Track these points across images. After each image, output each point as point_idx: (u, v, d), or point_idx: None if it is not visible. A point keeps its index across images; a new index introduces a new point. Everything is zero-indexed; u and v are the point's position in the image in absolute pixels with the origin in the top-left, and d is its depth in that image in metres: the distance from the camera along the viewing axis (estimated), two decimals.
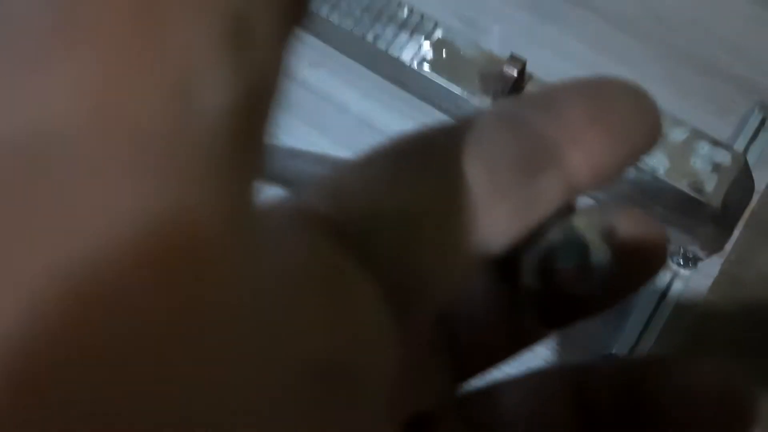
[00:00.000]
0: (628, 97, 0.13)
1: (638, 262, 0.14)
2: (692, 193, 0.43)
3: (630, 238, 0.14)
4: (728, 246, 0.54)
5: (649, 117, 0.14)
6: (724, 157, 0.43)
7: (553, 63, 0.59)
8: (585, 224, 0.12)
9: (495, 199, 0.11)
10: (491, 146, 0.11)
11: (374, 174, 0.11)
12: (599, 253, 0.12)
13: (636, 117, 0.13)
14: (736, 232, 0.54)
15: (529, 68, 0.49)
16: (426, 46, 0.52)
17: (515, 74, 0.47)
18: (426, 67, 0.52)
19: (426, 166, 0.11)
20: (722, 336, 0.55)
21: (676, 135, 0.44)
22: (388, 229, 0.10)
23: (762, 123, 0.54)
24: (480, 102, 0.50)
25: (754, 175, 0.54)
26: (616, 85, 0.13)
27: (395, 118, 0.59)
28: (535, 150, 0.11)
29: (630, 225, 0.14)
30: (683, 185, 0.43)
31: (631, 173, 0.45)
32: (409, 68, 0.52)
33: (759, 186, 0.55)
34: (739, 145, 0.54)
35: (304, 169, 0.55)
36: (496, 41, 0.60)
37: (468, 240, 0.10)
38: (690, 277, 0.52)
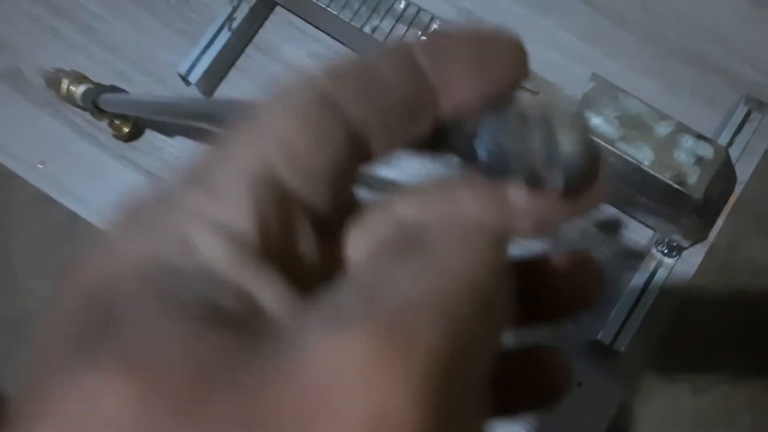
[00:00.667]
0: (502, 42, 0.15)
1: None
2: (675, 185, 0.45)
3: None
4: (716, 233, 0.56)
5: (512, 55, 0.15)
6: (706, 151, 0.45)
7: (546, 54, 0.60)
8: (563, 117, 0.13)
9: (382, 137, 0.14)
10: (384, 90, 0.14)
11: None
12: (566, 141, 0.13)
13: (500, 56, 0.15)
14: (721, 221, 0.56)
15: None
16: (422, 38, 0.53)
17: None
18: None
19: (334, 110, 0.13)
20: (708, 319, 0.57)
21: (661, 129, 0.46)
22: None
23: (747, 115, 0.55)
24: None
25: (740, 165, 0.56)
26: (490, 32, 0.15)
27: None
28: (417, 90, 0.14)
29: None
30: (667, 177, 0.45)
31: (617, 164, 0.47)
32: None
33: (743, 176, 0.57)
34: (725, 137, 0.55)
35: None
36: None
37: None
38: (674, 265, 0.54)
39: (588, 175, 0.13)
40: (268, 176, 0.13)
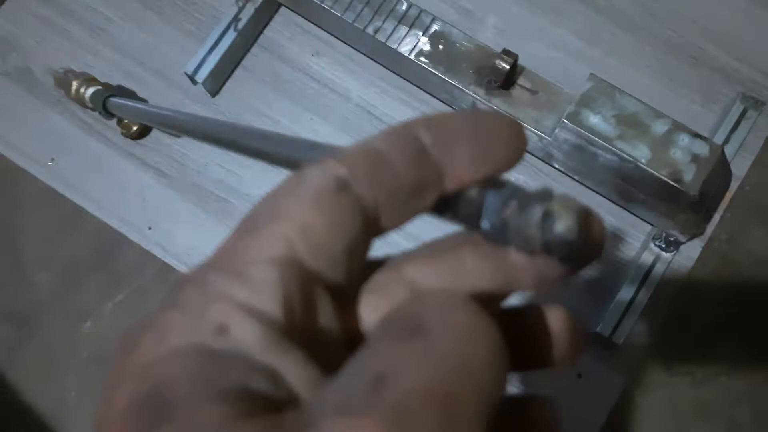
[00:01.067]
0: (499, 126, 0.16)
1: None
2: (672, 182, 0.46)
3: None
4: (714, 226, 0.57)
5: (512, 142, 0.16)
6: (702, 149, 0.46)
7: (546, 53, 0.61)
8: (558, 203, 0.14)
9: (392, 214, 0.16)
10: (393, 173, 0.15)
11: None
12: (561, 221, 0.14)
13: (502, 142, 0.16)
14: (719, 215, 0.57)
15: (522, 57, 0.52)
16: (423, 39, 0.54)
17: (508, 68, 0.50)
18: (423, 58, 0.54)
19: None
20: (707, 311, 0.58)
21: (657, 127, 0.47)
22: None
23: (743, 113, 0.56)
24: (474, 93, 0.53)
25: (736, 161, 0.57)
26: (491, 118, 0.16)
27: (395, 105, 0.61)
28: (424, 173, 0.15)
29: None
30: (664, 174, 0.46)
31: (615, 162, 0.48)
32: (408, 60, 0.55)
33: (740, 172, 0.58)
34: (722, 134, 0.56)
35: (306, 156, 0.58)
36: (491, 32, 0.62)
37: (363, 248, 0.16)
38: (672, 260, 0.55)
39: (582, 249, 0.15)
40: (291, 259, 0.14)
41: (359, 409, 0.11)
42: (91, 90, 0.57)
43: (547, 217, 0.14)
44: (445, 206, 0.16)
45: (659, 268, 0.55)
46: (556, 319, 0.18)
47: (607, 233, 0.16)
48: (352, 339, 0.16)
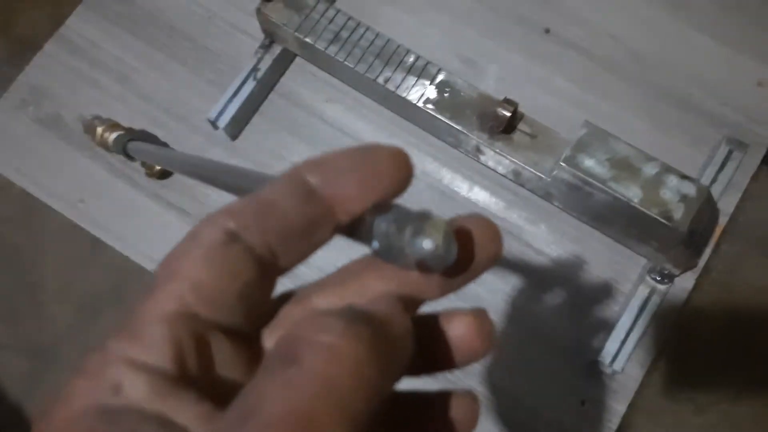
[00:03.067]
0: (384, 155, 0.17)
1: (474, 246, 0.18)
2: (662, 220, 0.50)
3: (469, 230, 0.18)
4: (715, 258, 0.61)
5: (395, 170, 0.17)
6: (690, 189, 0.50)
7: (543, 99, 0.66)
8: (429, 222, 0.16)
9: (289, 254, 0.17)
10: (281, 218, 0.16)
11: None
12: (428, 238, 0.15)
13: (385, 171, 0.17)
14: (723, 246, 0.61)
15: (522, 104, 0.56)
16: (430, 88, 0.59)
17: (509, 114, 0.54)
18: (430, 106, 0.59)
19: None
20: (708, 340, 0.61)
21: (648, 169, 0.51)
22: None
23: (729, 154, 0.61)
24: (477, 137, 0.57)
25: (723, 199, 0.61)
26: (373, 150, 0.17)
27: (404, 148, 0.65)
28: (313, 211, 0.17)
29: (471, 222, 0.18)
30: (654, 213, 0.50)
31: (609, 201, 0.52)
32: (416, 107, 0.59)
33: (727, 208, 0.62)
34: (710, 174, 0.60)
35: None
36: (493, 79, 0.67)
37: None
38: (667, 291, 0.59)
39: (460, 260, 0.17)
40: (184, 314, 0.15)
41: None
42: (114, 135, 0.61)
43: (417, 234, 0.15)
44: (349, 231, 0.18)
45: (655, 300, 0.58)
46: (458, 323, 0.18)
47: (498, 243, 0.18)
48: None
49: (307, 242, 0.17)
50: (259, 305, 0.17)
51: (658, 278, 0.58)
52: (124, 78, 0.68)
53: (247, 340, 0.17)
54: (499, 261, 0.62)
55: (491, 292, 0.61)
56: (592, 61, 0.67)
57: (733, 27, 0.67)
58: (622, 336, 0.57)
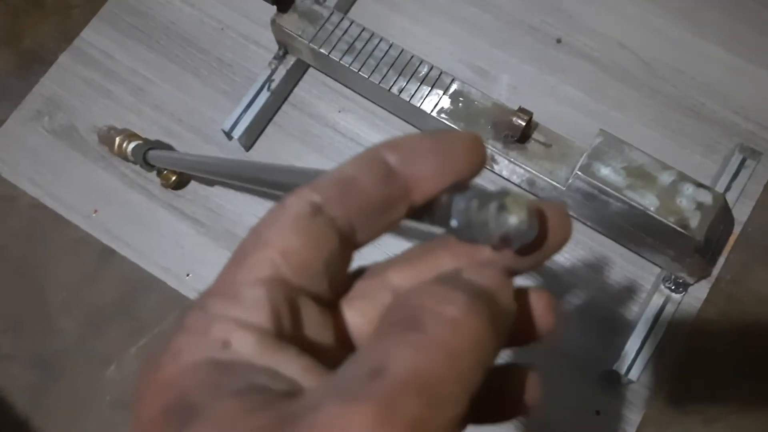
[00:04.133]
0: (460, 140, 0.18)
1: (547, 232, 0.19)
2: (679, 228, 0.50)
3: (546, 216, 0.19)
4: (723, 268, 0.61)
5: (470, 153, 0.18)
6: (706, 197, 0.50)
7: (555, 108, 0.66)
8: (511, 199, 0.16)
9: (366, 229, 0.18)
10: (362, 194, 0.17)
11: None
12: (513, 213, 0.16)
13: (461, 154, 0.18)
14: (730, 255, 0.61)
15: (534, 113, 0.56)
16: (444, 97, 0.59)
17: (524, 124, 0.54)
18: (444, 115, 0.59)
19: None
20: (716, 350, 0.61)
21: (664, 178, 0.51)
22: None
23: (742, 162, 0.61)
24: (492, 146, 0.57)
25: (737, 207, 0.61)
26: (450, 134, 0.18)
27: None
28: (391, 190, 0.17)
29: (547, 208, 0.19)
30: (671, 221, 0.50)
31: (625, 210, 0.52)
32: (430, 116, 0.59)
33: (741, 217, 0.62)
34: (723, 182, 0.61)
35: (303, 181, 0.62)
36: (505, 89, 0.67)
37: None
38: (681, 300, 0.59)
39: (536, 238, 0.17)
40: (277, 279, 0.16)
41: (356, 395, 0.13)
42: (132, 144, 0.62)
43: (501, 210, 0.16)
44: (420, 214, 0.18)
45: (669, 309, 0.58)
46: (538, 298, 0.19)
47: (568, 228, 0.19)
48: (342, 341, 0.18)
49: (384, 219, 0.18)
50: (340, 276, 0.18)
51: (673, 287, 0.58)
52: (138, 89, 0.69)
53: (328, 307, 0.18)
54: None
55: None
56: (603, 70, 0.67)
57: (745, 37, 0.68)
58: (638, 345, 0.57)
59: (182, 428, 0.14)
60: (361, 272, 0.19)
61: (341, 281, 0.18)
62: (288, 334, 0.16)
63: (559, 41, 0.68)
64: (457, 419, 0.14)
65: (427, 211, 0.18)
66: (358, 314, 0.18)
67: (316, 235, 0.17)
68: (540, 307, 0.19)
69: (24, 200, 0.69)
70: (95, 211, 0.65)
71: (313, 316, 0.17)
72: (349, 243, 0.18)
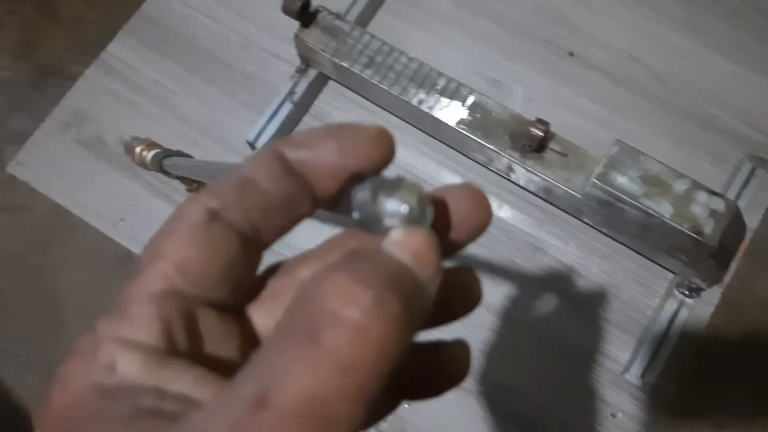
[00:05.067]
0: (360, 131, 0.17)
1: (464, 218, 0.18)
2: (693, 235, 0.51)
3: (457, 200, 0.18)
4: (729, 275, 0.62)
5: (375, 144, 0.17)
6: (719, 205, 0.52)
7: (569, 119, 0.68)
8: (403, 188, 0.16)
9: (271, 229, 0.17)
10: (261, 194, 0.17)
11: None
12: (402, 204, 0.15)
13: (362, 145, 0.17)
14: (735, 263, 0.62)
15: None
16: (463, 109, 0.61)
17: (542, 134, 0.56)
18: (463, 126, 0.61)
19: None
20: (725, 355, 0.62)
21: (678, 186, 0.53)
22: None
23: (752, 171, 0.62)
24: (509, 156, 0.59)
25: (747, 215, 0.63)
26: (352, 125, 0.17)
27: (433, 166, 0.67)
28: (291, 187, 0.17)
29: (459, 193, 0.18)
30: (686, 228, 0.52)
31: (641, 217, 0.54)
32: (448, 127, 0.61)
33: (752, 224, 0.64)
34: (733, 191, 0.62)
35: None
36: (520, 100, 0.69)
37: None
38: (694, 305, 0.60)
39: (435, 226, 0.17)
40: (170, 292, 0.16)
41: (245, 424, 0.12)
42: (151, 153, 0.64)
43: (390, 198, 0.15)
44: (330, 207, 0.18)
45: (683, 313, 0.60)
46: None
47: (484, 212, 0.18)
48: (252, 347, 0.17)
49: (288, 217, 0.17)
50: (244, 280, 0.17)
51: (686, 292, 0.60)
52: (163, 101, 0.71)
53: (235, 313, 0.17)
54: (527, 274, 0.64)
55: (521, 307, 0.63)
56: (615, 82, 0.69)
57: (753, 49, 0.70)
58: (652, 349, 0.59)
59: None
60: (274, 269, 0.19)
61: (247, 285, 0.18)
62: (182, 348, 0.16)
63: (571, 54, 0.71)
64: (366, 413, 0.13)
65: (335, 203, 0.18)
66: (267, 317, 0.18)
67: (213, 242, 0.16)
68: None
69: (39, 209, 0.71)
70: (122, 220, 0.67)
71: (213, 326, 0.16)
72: (254, 245, 0.17)
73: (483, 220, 0.18)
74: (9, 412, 0.68)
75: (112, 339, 0.15)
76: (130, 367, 0.15)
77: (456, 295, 0.18)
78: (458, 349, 0.19)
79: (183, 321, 0.16)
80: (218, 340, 0.16)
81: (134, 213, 0.68)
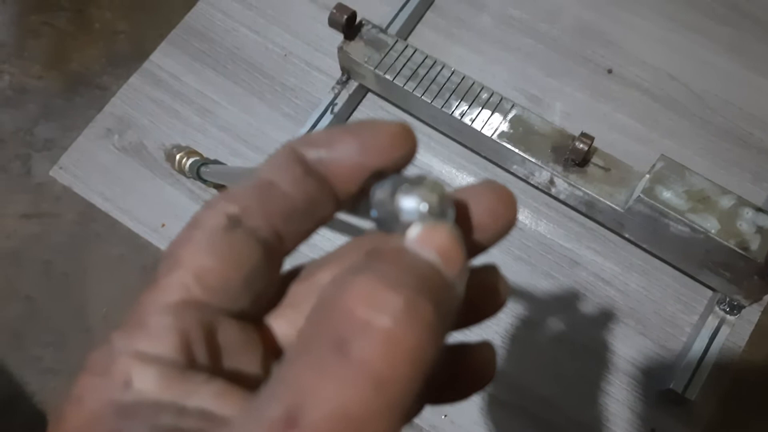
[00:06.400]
0: (381, 128, 0.16)
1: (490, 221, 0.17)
2: (740, 251, 0.51)
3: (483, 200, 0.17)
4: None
5: (397, 141, 0.16)
6: (765, 221, 0.52)
7: (608, 135, 0.68)
8: (423, 185, 0.15)
9: (293, 233, 0.16)
10: (283, 198, 0.16)
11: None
12: (422, 202, 0.14)
13: (383, 142, 0.16)
14: None
15: None
16: (504, 122, 0.62)
17: (586, 148, 0.56)
18: (505, 139, 0.61)
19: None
20: (764, 372, 0.62)
21: (724, 202, 0.53)
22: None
23: None
24: (552, 169, 0.60)
25: None
26: (372, 122, 0.16)
27: (471, 179, 0.68)
28: (313, 189, 0.16)
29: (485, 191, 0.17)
30: (732, 244, 0.52)
31: (686, 232, 0.54)
32: (490, 140, 0.62)
33: None
34: None
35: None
36: (559, 116, 0.70)
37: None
38: (735, 322, 0.60)
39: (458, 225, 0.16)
40: (189, 302, 0.15)
41: None
42: (190, 160, 0.65)
43: (409, 196, 0.15)
44: (351, 208, 0.17)
45: (725, 330, 0.59)
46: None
47: (510, 211, 0.17)
48: (275, 357, 0.16)
49: (311, 220, 0.16)
50: (266, 288, 0.16)
51: (728, 309, 0.60)
52: (205, 110, 0.72)
53: (255, 323, 0.17)
54: (565, 288, 0.64)
55: (558, 321, 0.63)
56: (654, 100, 0.70)
57: None
58: (694, 365, 0.58)
59: None
60: (295, 273, 0.18)
61: (269, 292, 0.17)
62: (202, 361, 0.15)
63: (610, 71, 0.71)
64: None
65: (356, 204, 0.17)
66: (288, 326, 0.17)
67: (234, 250, 0.15)
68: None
69: (67, 217, 0.72)
70: (163, 225, 0.68)
71: (234, 337, 0.15)
72: (276, 251, 0.16)
73: (508, 218, 0.17)
74: (31, 416, 0.68)
75: (127, 353, 0.14)
76: (147, 383, 0.14)
77: (481, 295, 0.17)
78: (484, 351, 0.18)
79: (202, 332, 0.15)
80: (239, 351, 0.16)
81: (175, 219, 0.68)
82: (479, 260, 0.17)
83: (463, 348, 0.18)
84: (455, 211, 0.15)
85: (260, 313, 0.17)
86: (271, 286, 0.17)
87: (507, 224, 0.17)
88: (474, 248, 0.17)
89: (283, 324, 0.17)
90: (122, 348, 0.14)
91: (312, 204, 0.16)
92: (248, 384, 0.15)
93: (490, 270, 0.18)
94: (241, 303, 0.15)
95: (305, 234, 0.17)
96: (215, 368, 0.15)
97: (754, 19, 0.73)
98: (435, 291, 0.13)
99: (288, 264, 0.17)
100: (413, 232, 0.14)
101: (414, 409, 0.18)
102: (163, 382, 0.14)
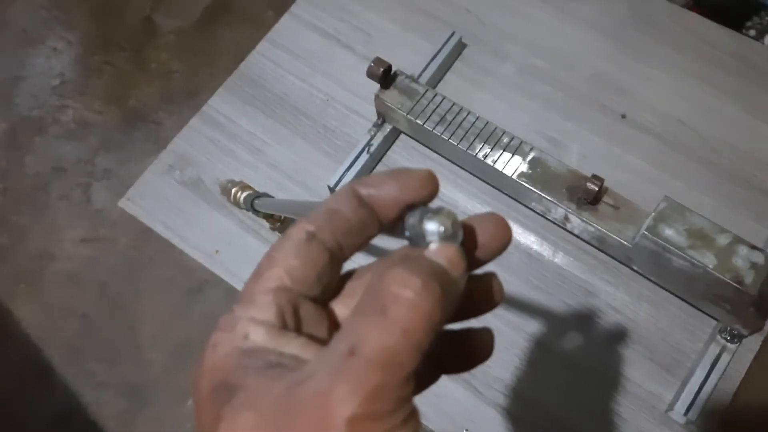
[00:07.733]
0: (413, 174, 0.23)
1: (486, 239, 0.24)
2: (735, 284, 0.57)
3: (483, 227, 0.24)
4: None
5: (424, 183, 0.23)
6: (759, 258, 0.57)
7: (621, 175, 0.74)
8: (441, 214, 0.21)
9: (350, 246, 0.23)
10: (344, 221, 0.22)
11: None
12: (434, 222, 0.21)
13: (414, 184, 0.23)
14: None
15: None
16: (524, 164, 0.69)
17: (597, 189, 0.63)
18: (524, 179, 0.68)
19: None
20: (757, 410, 0.66)
21: (721, 239, 0.58)
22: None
23: None
24: (566, 207, 0.66)
25: None
26: (406, 171, 0.23)
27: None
28: (364, 215, 0.23)
29: (486, 221, 0.24)
30: (728, 277, 0.57)
31: (687, 267, 0.59)
32: (510, 179, 0.69)
33: None
34: None
35: None
36: (575, 157, 0.76)
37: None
38: (735, 350, 0.65)
39: (465, 243, 0.22)
40: (282, 288, 0.21)
41: (338, 369, 0.17)
42: (245, 194, 0.72)
43: (430, 221, 0.21)
44: (390, 230, 0.24)
45: (725, 357, 0.64)
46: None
47: (506, 234, 0.24)
48: (335, 328, 0.23)
49: (362, 237, 0.23)
50: (331, 282, 0.23)
51: (728, 338, 0.65)
52: (255, 149, 0.81)
53: (323, 305, 0.23)
54: (580, 316, 0.69)
55: (576, 346, 0.69)
56: (664, 143, 0.76)
57: None
58: (696, 389, 0.63)
59: (229, 400, 0.19)
60: (350, 274, 0.25)
61: (333, 285, 0.23)
62: (291, 326, 0.21)
63: (624, 117, 0.78)
64: (411, 374, 0.18)
65: (394, 227, 0.23)
66: (345, 309, 0.24)
67: (310, 255, 0.22)
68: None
69: (123, 242, 0.79)
70: (217, 252, 0.76)
71: (310, 313, 0.22)
72: (338, 258, 0.23)
73: (504, 240, 0.24)
74: (85, 426, 0.74)
75: (245, 318, 0.21)
76: (258, 337, 0.20)
77: (481, 293, 0.24)
78: (484, 333, 0.25)
79: (291, 308, 0.21)
80: (313, 322, 0.22)
81: (227, 246, 0.76)
82: (484, 268, 0.25)
83: (470, 331, 0.25)
84: (463, 232, 0.22)
85: (327, 299, 0.23)
86: (334, 281, 0.23)
87: (503, 244, 0.24)
88: (477, 261, 0.24)
89: (341, 308, 0.24)
90: (241, 315, 0.21)
91: (364, 226, 0.23)
92: (319, 343, 0.21)
93: (489, 276, 0.25)
94: (314, 291, 0.22)
95: (359, 247, 0.24)
96: (299, 331, 0.21)
97: (760, 71, 0.79)
98: (443, 281, 0.19)
99: (345, 268, 0.24)
100: (432, 247, 0.21)
101: (431, 377, 0.25)
102: (268, 337, 0.20)
